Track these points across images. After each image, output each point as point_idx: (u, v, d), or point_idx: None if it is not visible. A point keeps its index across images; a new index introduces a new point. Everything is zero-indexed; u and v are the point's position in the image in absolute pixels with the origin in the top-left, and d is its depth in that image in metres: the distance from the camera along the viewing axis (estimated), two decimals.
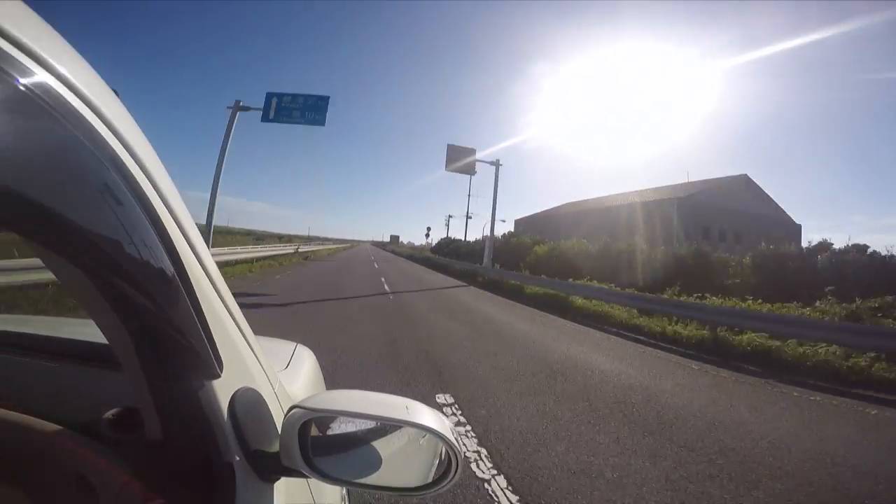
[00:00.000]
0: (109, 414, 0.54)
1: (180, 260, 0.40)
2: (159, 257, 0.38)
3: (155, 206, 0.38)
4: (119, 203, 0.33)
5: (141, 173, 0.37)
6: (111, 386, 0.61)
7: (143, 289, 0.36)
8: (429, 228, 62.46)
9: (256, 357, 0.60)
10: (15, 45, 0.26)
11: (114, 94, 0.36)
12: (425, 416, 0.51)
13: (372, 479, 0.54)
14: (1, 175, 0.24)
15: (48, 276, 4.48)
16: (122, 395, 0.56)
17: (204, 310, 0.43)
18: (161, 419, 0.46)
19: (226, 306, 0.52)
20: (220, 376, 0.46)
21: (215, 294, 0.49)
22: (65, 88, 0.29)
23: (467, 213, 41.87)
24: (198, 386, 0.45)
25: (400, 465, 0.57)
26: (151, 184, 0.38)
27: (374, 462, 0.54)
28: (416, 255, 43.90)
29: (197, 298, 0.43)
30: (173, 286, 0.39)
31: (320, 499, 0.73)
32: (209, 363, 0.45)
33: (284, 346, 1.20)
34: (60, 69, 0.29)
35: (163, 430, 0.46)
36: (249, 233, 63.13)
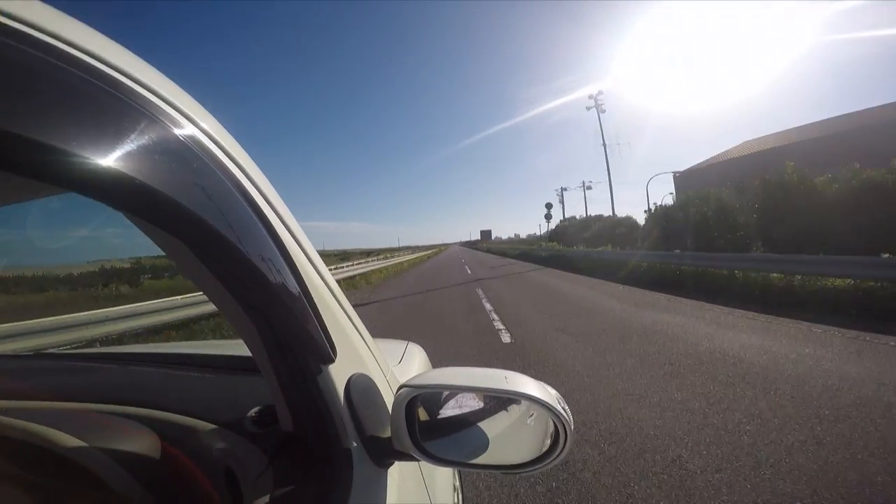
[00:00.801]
0: (252, 412, 0.61)
1: (294, 262, 0.48)
2: (279, 265, 0.45)
3: (274, 224, 0.46)
4: (249, 223, 0.41)
5: (258, 193, 0.45)
6: (256, 389, 0.72)
7: (271, 296, 0.43)
8: (549, 206, 34.92)
9: (368, 347, 0.65)
10: (172, 107, 0.36)
11: (235, 141, 0.45)
12: (528, 385, 0.50)
13: (479, 460, 0.54)
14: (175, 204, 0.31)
15: (210, 307, 5.64)
16: (263, 396, 0.64)
17: (317, 304, 0.50)
18: (291, 411, 0.52)
19: (338, 302, 0.59)
20: (333, 360, 0.52)
21: (328, 291, 0.56)
22: (206, 139, 0.39)
23: (607, 170, 25.54)
24: (316, 371, 0.50)
25: (507, 445, 0.57)
26: (273, 210, 0.47)
27: (482, 443, 0.55)
28: (533, 253, 25.09)
29: (311, 296, 0.49)
30: (291, 286, 0.46)
31: (432, 485, 0.76)
32: (323, 348, 0.50)
33: (397, 345, 1.34)
34: (202, 124, 0.40)
35: (293, 421, 0.52)
36: (342, 252, 65.52)
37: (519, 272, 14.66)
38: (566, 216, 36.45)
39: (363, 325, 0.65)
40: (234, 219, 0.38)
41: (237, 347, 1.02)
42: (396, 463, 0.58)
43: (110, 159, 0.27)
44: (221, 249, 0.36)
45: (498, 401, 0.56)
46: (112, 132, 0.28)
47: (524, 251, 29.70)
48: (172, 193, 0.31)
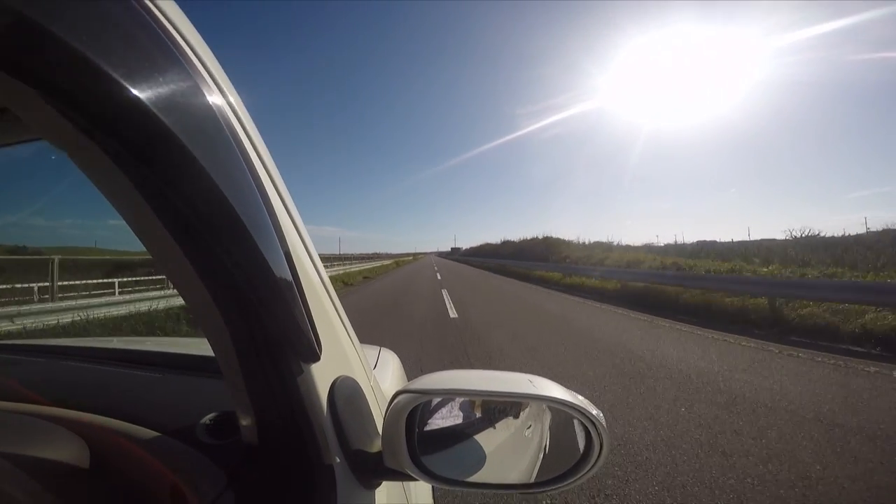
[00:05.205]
0: (206, 419, 0.54)
1: (289, 248, 0.43)
2: (275, 248, 0.39)
3: (276, 208, 0.43)
4: (253, 203, 0.37)
5: (267, 177, 0.44)
6: (212, 394, 0.65)
7: (261, 281, 0.37)
8: None
9: (355, 348, 0.58)
10: (212, 79, 0.37)
11: (253, 122, 0.44)
12: (554, 389, 0.46)
13: (489, 479, 0.48)
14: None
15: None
16: (220, 402, 0.58)
17: (307, 295, 0.43)
18: (257, 419, 0.44)
19: (329, 295, 0.52)
20: (319, 359, 0.45)
21: (319, 282, 0.50)
22: (230, 109, 0.39)
23: None
24: (297, 371, 0.43)
25: (505, 460, 0.52)
26: (273, 184, 0.44)
27: (479, 459, 0.49)
28: None
29: (302, 285, 0.43)
30: (284, 273, 0.39)
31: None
32: (309, 345, 0.43)
33: (369, 350, 1.22)
34: (229, 96, 0.40)
35: (258, 431, 0.44)
36: None
37: None
38: None
39: (346, 316, 0.58)
40: (238, 194, 0.34)
41: (190, 346, 0.91)
42: (384, 483, 0.51)
43: (133, 97, 0.25)
44: (217, 224, 0.32)
45: (496, 409, 0.51)
46: (142, 69, 0.26)
47: None
48: (186, 147, 0.29)
